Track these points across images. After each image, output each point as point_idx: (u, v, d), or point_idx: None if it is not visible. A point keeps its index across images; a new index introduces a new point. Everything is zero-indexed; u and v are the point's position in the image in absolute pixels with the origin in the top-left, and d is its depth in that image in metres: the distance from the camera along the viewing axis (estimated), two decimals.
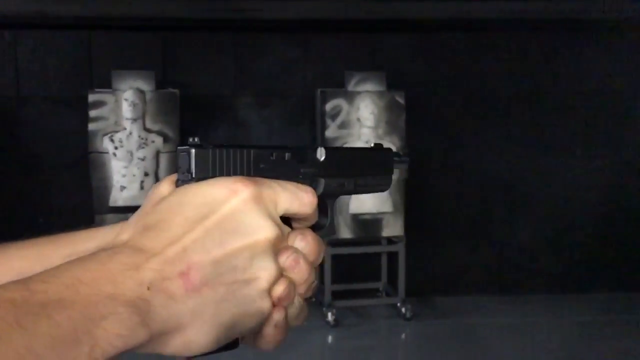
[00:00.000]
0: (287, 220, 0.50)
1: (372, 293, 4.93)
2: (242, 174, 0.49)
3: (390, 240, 4.71)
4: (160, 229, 0.44)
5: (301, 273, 0.48)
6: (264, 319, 0.47)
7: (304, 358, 4.12)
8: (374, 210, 4.51)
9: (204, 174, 0.48)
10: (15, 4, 4.15)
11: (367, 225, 4.57)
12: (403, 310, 4.55)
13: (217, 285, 0.44)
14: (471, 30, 4.87)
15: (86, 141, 4.20)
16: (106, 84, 4.28)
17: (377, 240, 4.72)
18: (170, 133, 4.32)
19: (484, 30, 4.89)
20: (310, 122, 4.74)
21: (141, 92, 4.24)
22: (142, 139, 4.20)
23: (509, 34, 4.91)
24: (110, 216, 4.20)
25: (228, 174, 0.48)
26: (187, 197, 0.46)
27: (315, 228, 0.53)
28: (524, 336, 4.32)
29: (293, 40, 4.78)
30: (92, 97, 4.22)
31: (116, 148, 4.16)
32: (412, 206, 4.68)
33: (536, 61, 4.96)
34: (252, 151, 0.50)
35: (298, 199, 0.49)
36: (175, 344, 0.43)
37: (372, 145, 0.63)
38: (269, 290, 0.46)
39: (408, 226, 4.60)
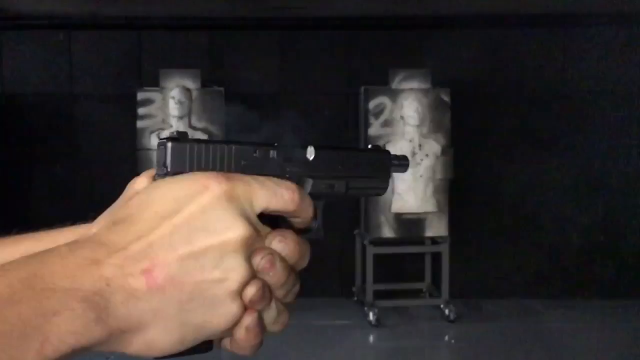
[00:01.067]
0: (275, 220, 0.48)
1: (415, 294, 4.86)
2: (221, 170, 0.47)
3: (434, 241, 4.64)
4: (128, 223, 0.43)
5: (277, 276, 0.45)
6: (235, 322, 0.44)
7: (345, 357, 4.11)
8: (417, 210, 4.46)
9: (180, 168, 0.46)
10: (69, 5, 4.30)
11: (410, 225, 4.51)
12: (446, 311, 4.47)
13: (183, 284, 0.42)
14: (519, 27, 4.74)
15: (135, 138, 4.31)
16: (155, 83, 4.39)
17: (420, 241, 4.66)
18: (215, 130, 4.38)
19: (532, 27, 4.75)
20: (354, 120, 4.72)
21: (187, 90, 4.32)
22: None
23: (558, 30, 4.75)
24: None
25: (207, 169, 0.47)
26: (158, 192, 0.45)
27: (301, 230, 0.51)
28: (572, 342, 4.18)
29: (337, 38, 4.77)
30: (140, 95, 4.34)
31: None
32: (457, 206, 4.60)
33: (586, 59, 4.79)
34: (232, 147, 0.48)
35: (277, 196, 0.47)
36: (138, 344, 0.41)
37: (370, 146, 0.60)
38: (240, 292, 0.44)
39: (453, 227, 4.52)
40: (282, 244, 0.46)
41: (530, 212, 4.93)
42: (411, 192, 4.44)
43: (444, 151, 4.47)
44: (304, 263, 0.49)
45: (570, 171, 4.88)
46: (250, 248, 0.44)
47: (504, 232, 4.94)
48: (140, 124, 4.31)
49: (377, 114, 4.46)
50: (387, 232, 4.50)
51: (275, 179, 0.48)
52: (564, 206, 4.91)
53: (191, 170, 0.46)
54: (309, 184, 0.52)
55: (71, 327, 0.38)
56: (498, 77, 4.82)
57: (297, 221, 0.50)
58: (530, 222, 4.94)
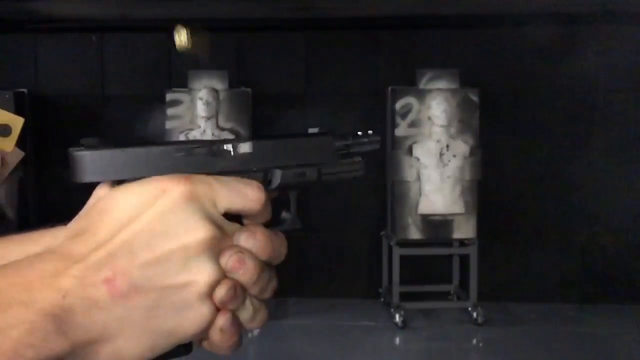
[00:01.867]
0: (239, 217, 0.47)
1: (443, 296, 4.81)
2: (140, 175, 0.45)
3: (462, 242, 4.58)
4: (88, 233, 0.42)
5: (248, 273, 0.44)
6: (208, 324, 0.43)
7: (370, 358, 4.09)
8: (444, 211, 4.41)
9: (89, 178, 0.45)
10: (101, 7, 4.39)
11: (438, 226, 4.47)
12: (474, 314, 4.41)
13: (148, 291, 0.41)
14: (549, 25, 4.65)
15: (164, 139, 4.37)
16: (183, 84, 4.45)
17: (448, 242, 4.61)
18: (242, 131, 4.42)
19: (563, 25, 4.66)
20: (380, 121, 4.70)
21: (215, 91, 4.37)
22: (215, 136, 4.33)
23: (590, 28, 4.65)
24: None
25: (121, 177, 0.45)
26: (116, 199, 0.44)
27: (274, 223, 0.50)
28: (605, 348, 4.08)
29: (364, 38, 4.76)
30: (169, 96, 4.40)
31: None
32: (485, 208, 4.53)
33: (617, 56, 4.67)
34: (145, 150, 0.46)
35: (241, 195, 0.45)
36: (106, 354, 0.41)
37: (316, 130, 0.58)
38: (210, 294, 0.43)
39: (481, 228, 4.46)
40: (251, 240, 0.45)
41: (560, 213, 4.83)
42: (439, 193, 4.40)
43: (472, 152, 4.42)
44: (280, 257, 0.47)
45: (601, 171, 4.76)
46: (215, 248, 0.43)
47: (534, 233, 4.85)
48: (169, 124, 4.38)
49: (404, 115, 4.43)
50: (414, 234, 4.46)
51: (238, 178, 0.47)
52: (596, 207, 4.80)
53: (105, 178, 0.45)
54: (278, 175, 0.51)
55: (29, 340, 0.37)
56: (528, 76, 4.74)
57: (260, 220, 0.48)
58: (561, 224, 4.84)
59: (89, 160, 0.45)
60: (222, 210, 0.45)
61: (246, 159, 0.49)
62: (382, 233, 4.77)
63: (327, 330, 4.45)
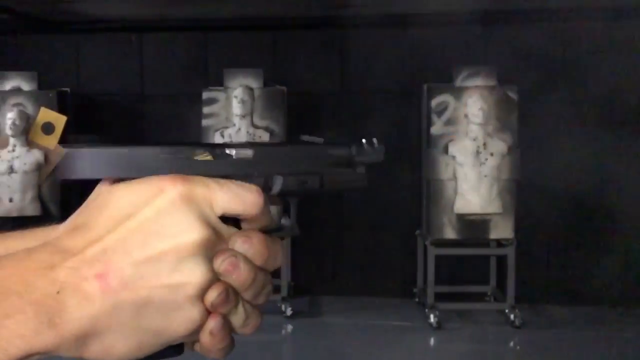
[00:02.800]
0: (237, 221, 0.46)
1: (479, 297, 4.73)
2: (126, 175, 0.45)
3: (499, 243, 4.49)
4: (85, 228, 0.43)
5: (242, 278, 0.44)
6: (197, 326, 0.43)
7: (404, 358, 4.05)
8: (480, 211, 4.33)
9: (74, 175, 0.46)
10: (140, 8, 4.48)
11: (474, 226, 4.39)
12: (512, 317, 4.32)
13: (138, 289, 0.41)
14: (590, 20, 4.51)
15: (201, 137, 4.43)
16: (219, 82, 4.50)
17: (485, 242, 4.52)
18: (276, 129, 4.44)
19: (605, 20, 4.51)
20: (416, 119, 4.65)
21: (250, 90, 4.40)
22: (250, 134, 4.36)
23: (630, 23, 4.49)
24: None
25: (107, 175, 0.46)
26: (115, 196, 0.44)
27: (273, 229, 0.49)
28: None
29: (399, 35, 4.72)
30: (205, 95, 4.46)
31: None
32: (524, 208, 4.43)
33: None
34: (133, 150, 0.46)
35: (239, 198, 0.45)
36: (95, 349, 0.41)
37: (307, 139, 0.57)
38: (201, 297, 0.43)
39: (519, 228, 4.36)
40: (246, 245, 0.45)
41: (601, 214, 4.68)
42: (475, 192, 4.32)
43: (510, 150, 4.33)
44: (276, 263, 0.47)
45: None
46: (210, 251, 0.43)
47: (575, 234, 4.72)
48: (205, 122, 4.43)
49: (440, 113, 4.37)
50: (450, 233, 4.40)
51: (237, 182, 0.46)
52: (638, 208, 4.63)
53: (90, 176, 0.46)
54: (279, 181, 0.51)
55: (21, 331, 0.38)
56: (568, 73, 4.61)
57: (254, 226, 0.47)
58: (602, 225, 4.69)
59: (77, 158, 0.46)
60: (219, 213, 0.45)
61: (248, 163, 0.49)
62: (417, 232, 4.72)
63: (360, 329, 4.43)
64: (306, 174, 0.52)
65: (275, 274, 4.50)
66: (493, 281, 4.71)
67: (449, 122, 4.38)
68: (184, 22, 4.74)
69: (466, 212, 4.36)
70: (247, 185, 0.46)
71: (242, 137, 4.36)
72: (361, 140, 0.56)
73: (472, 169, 4.33)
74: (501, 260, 4.57)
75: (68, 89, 4.77)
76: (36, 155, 4.50)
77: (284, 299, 4.52)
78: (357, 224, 4.97)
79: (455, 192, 4.36)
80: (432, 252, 4.39)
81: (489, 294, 4.76)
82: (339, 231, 5.01)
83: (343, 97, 4.82)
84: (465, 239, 4.42)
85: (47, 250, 0.41)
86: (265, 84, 4.48)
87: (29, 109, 4.57)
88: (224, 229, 0.45)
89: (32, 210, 4.50)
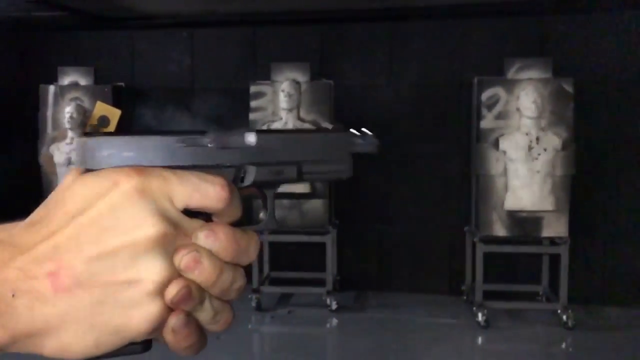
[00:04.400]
0: (208, 215, 0.45)
1: (530, 296, 4.59)
2: (141, 164, 0.44)
3: (552, 241, 4.34)
4: (41, 223, 0.42)
5: (205, 274, 0.42)
6: (158, 323, 0.42)
7: (450, 356, 3.98)
8: (532, 208, 4.19)
9: (91, 165, 0.45)
10: (190, 3, 4.55)
11: (525, 223, 4.26)
12: (564, 317, 4.18)
13: (92, 287, 0.40)
14: None
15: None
16: (267, 76, 4.53)
17: (537, 240, 4.38)
18: (323, 123, 4.43)
19: None
20: (466, 112, 4.54)
21: (297, 83, 4.41)
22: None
23: None
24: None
25: (124, 165, 0.44)
26: (70, 190, 0.43)
27: (247, 222, 0.48)
28: None
29: (449, 27, 4.61)
30: (253, 89, 4.50)
31: None
32: (579, 205, 4.27)
33: None
34: (151, 138, 0.45)
35: (200, 191, 0.43)
36: (51, 347, 0.41)
37: (331, 127, 0.55)
38: (160, 293, 0.41)
39: (574, 226, 4.20)
40: (210, 239, 0.43)
41: None
42: (527, 189, 4.19)
43: (564, 145, 4.16)
44: (247, 258, 0.45)
45: None
46: (168, 246, 0.42)
47: (632, 232, 4.50)
48: (252, 116, 4.47)
49: (491, 106, 4.25)
50: (500, 230, 4.28)
51: (200, 174, 0.44)
52: None
53: (105, 166, 0.44)
54: (252, 171, 0.49)
55: None
56: (628, 65, 4.39)
57: (224, 219, 0.45)
58: None
59: (88, 147, 0.45)
60: (180, 206, 0.43)
61: (255, 152, 0.48)
62: (466, 228, 4.62)
63: (406, 325, 4.38)
64: (281, 164, 0.50)
65: (321, 267, 4.52)
66: (545, 280, 4.57)
67: (500, 116, 4.25)
68: (234, 17, 4.79)
69: (517, 209, 4.23)
70: (210, 177, 0.44)
71: None
72: (352, 131, 0.54)
73: (523, 165, 4.20)
74: (554, 259, 4.41)
75: (123, 84, 4.91)
76: None
77: (329, 293, 4.52)
78: (404, 218, 4.91)
79: (506, 188, 4.24)
80: (481, 249, 4.28)
81: (540, 293, 4.61)
82: (385, 225, 4.96)
83: (391, 90, 4.76)
84: (515, 236, 4.29)
85: None
86: (312, 77, 4.48)
87: (86, 103, 4.74)
88: (187, 222, 0.43)
89: None
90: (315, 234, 4.57)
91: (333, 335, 4.52)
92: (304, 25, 4.79)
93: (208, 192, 0.44)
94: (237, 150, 0.48)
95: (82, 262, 0.40)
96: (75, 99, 4.76)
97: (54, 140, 4.74)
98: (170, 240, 0.42)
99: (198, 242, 0.43)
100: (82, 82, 4.85)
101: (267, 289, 4.71)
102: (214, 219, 0.45)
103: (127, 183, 0.42)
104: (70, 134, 4.67)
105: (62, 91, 4.80)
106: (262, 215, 0.51)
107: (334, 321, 4.49)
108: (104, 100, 4.71)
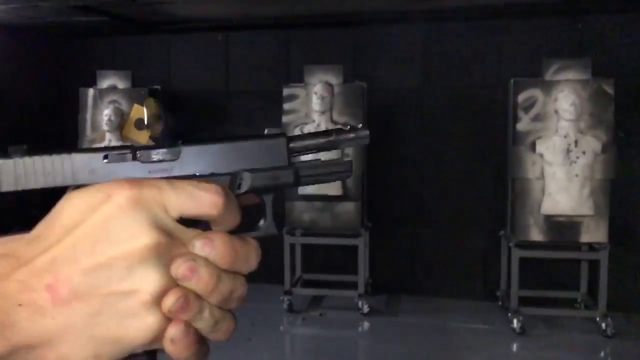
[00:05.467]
0: (206, 224, 0.45)
1: (568, 303, 4.48)
2: (62, 183, 0.45)
3: (591, 247, 4.22)
4: (41, 237, 0.42)
5: (203, 282, 0.42)
6: (157, 334, 0.42)
7: None
8: (570, 212, 4.09)
9: (10, 187, 0.45)
10: (225, 7, 4.60)
11: (563, 228, 4.15)
12: (603, 325, 4.06)
13: (90, 298, 0.41)
14: None
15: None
16: (301, 79, 4.54)
17: (575, 246, 4.27)
18: (356, 125, 4.41)
19: None
20: (501, 115, 4.46)
21: (330, 86, 4.41)
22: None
23: None
24: (298, 204, 4.46)
25: (45, 185, 0.45)
26: (69, 203, 0.43)
27: (246, 229, 0.47)
28: None
29: (485, 28, 4.54)
30: (286, 91, 4.51)
31: None
32: (619, 209, 4.14)
33: None
34: (72, 156, 0.45)
35: (195, 199, 0.43)
36: (51, 358, 0.41)
37: (326, 128, 0.54)
38: (157, 303, 0.42)
39: (614, 232, 4.08)
40: (207, 247, 0.43)
41: None
42: (564, 193, 4.09)
43: (604, 148, 4.05)
44: (249, 265, 0.45)
45: None
46: (164, 256, 0.42)
47: None
48: (285, 118, 4.49)
49: (527, 108, 4.17)
50: (536, 235, 4.19)
51: (194, 182, 0.44)
52: None
53: (23, 187, 0.45)
54: (247, 178, 0.48)
55: None
56: None
57: (222, 227, 0.45)
58: None
59: (6, 169, 0.45)
60: (175, 216, 0.43)
61: (211, 161, 0.48)
62: (501, 233, 4.53)
63: (439, 330, 4.32)
64: (277, 169, 0.49)
65: (353, 270, 4.50)
66: (584, 287, 4.45)
67: (537, 118, 4.16)
68: (267, 21, 4.82)
69: (554, 214, 4.13)
70: (205, 185, 0.44)
71: None
72: (340, 127, 0.54)
73: (561, 168, 4.10)
74: (593, 265, 4.29)
75: (159, 87, 5.00)
76: None
77: (360, 296, 4.49)
78: (437, 222, 4.86)
79: (543, 192, 4.14)
80: (517, 254, 4.20)
81: (578, 300, 4.49)
82: (418, 229, 4.91)
83: (424, 93, 4.71)
84: (552, 241, 4.19)
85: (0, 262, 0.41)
86: (345, 79, 4.47)
87: (124, 105, 4.83)
88: (183, 232, 0.43)
89: None
90: (347, 236, 4.55)
91: (364, 339, 4.49)
92: (337, 27, 4.79)
93: (202, 199, 0.43)
94: (229, 156, 0.48)
95: (79, 274, 0.41)
96: (114, 101, 4.87)
97: (93, 142, 4.85)
98: (166, 250, 0.42)
99: (195, 250, 0.43)
100: (120, 85, 4.95)
101: (299, 290, 4.72)
102: (212, 227, 0.45)
103: (120, 194, 0.42)
104: (108, 136, 4.78)
105: (100, 94, 4.92)
106: (261, 222, 0.50)
107: (366, 325, 4.47)
108: (141, 104, 4.81)
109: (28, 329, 0.40)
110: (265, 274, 4.71)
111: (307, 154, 0.53)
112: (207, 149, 0.48)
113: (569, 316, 4.40)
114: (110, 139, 4.78)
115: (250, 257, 0.45)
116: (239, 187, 0.48)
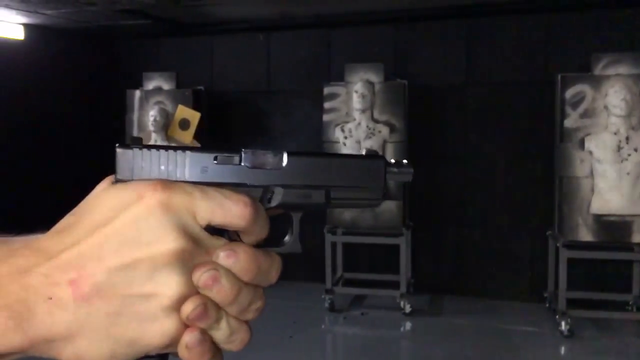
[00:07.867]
0: (235, 234, 0.45)
1: (619, 306, 4.32)
2: (175, 178, 0.45)
3: None
4: (69, 230, 0.43)
5: (223, 293, 0.42)
6: (173, 339, 0.42)
7: None
8: (621, 212, 3.94)
9: (127, 175, 0.45)
10: (266, 7, 4.62)
11: (613, 228, 4.01)
12: None
13: (111, 297, 0.41)
14: None
15: (322, 131, 4.50)
16: (341, 77, 4.52)
17: (626, 246, 4.11)
18: (397, 123, 4.37)
19: None
20: (548, 111, 4.34)
21: (370, 84, 4.37)
22: (370, 129, 4.34)
23: None
24: None
25: (157, 177, 0.45)
26: (98, 200, 0.43)
27: (271, 243, 0.47)
28: None
29: (531, 22, 4.42)
30: (326, 90, 4.51)
31: (345, 137, 4.38)
32: None
33: None
34: (187, 153, 0.46)
35: (223, 208, 0.43)
36: (68, 353, 0.41)
37: (365, 152, 0.53)
38: (176, 309, 0.42)
39: None
40: (230, 259, 0.43)
41: None
42: (615, 192, 3.94)
43: None
44: (268, 279, 0.45)
45: None
46: (188, 262, 0.42)
47: None
48: (325, 117, 4.48)
49: (575, 104, 4.04)
50: (585, 235, 4.05)
51: (226, 191, 0.44)
52: None
53: (138, 178, 0.45)
54: (279, 193, 0.48)
55: None
56: None
57: (249, 238, 0.45)
58: None
59: (126, 158, 0.46)
60: (203, 223, 0.43)
61: (285, 173, 0.48)
62: (548, 233, 4.41)
63: (483, 332, 4.24)
64: (309, 188, 0.49)
65: (395, 269, 4.46)
66: (636, 289, 4.28)
67: (586, 114, 4.03)
68: (308, 20, 4.82)
69: (604, 213, 3.99)
70: (235, 195, 0.44)
71: (362, 132, 4.35)
72: (389, 160, 0.52)
73: (612, 166, 3.96)
74: None
75: (202, 87, 5.07)
76: None
77: (402, 296, 4.45)
78: (482, 221, 4.76)
79: (592, 190, 4.01)
80: (565, 254, 4.07)
81: (630, 302, 4.33)
82: (462, 228, 4.83)
83: (468, 90, 4.62)
84: (602, 241, 4.05)
85: (23, 254, 0.42)
86: (386, 78, 4.43)
87: (169, 106, 4.93)
88: (209, 240, 0.43)
89: None
90: (388, 235, 4.52)
91: (406, 339, 4.45)
92: (378, 25, 4.74)
93: (231, 209, 0.43)
94: (267, 170, 0.48)
95: (103, 272, 0.41)
96: (159, 102, 4.96)
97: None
98: (190, 256, 0.42)
99: (218, 260, 0.43)
100: (165, 86, 5.05)
101: (341, 289, 4.71)
102: (241, 237, 0.45)
103: (152, 197, 0.42)
104: (154, 136, 4.88)
105: (146, 95, 5.03)
106: (287, 237, 0.50)
107: (408, 325, 4.43)
108: (185, 104, 4.89)
109: (47, 322, 0.40)
110: (307, 273, 4.73)
111: None
112: (311, 160, 0.49)
113: (619, 319, 4.25)
114: (155, 139, 4.87)
115: (271, 272, 0.45)
116: (270, 201, 0.48)
